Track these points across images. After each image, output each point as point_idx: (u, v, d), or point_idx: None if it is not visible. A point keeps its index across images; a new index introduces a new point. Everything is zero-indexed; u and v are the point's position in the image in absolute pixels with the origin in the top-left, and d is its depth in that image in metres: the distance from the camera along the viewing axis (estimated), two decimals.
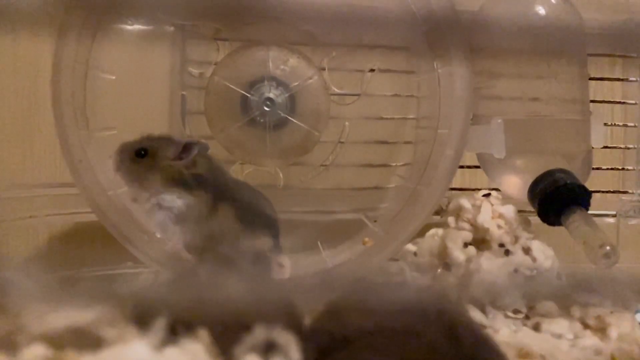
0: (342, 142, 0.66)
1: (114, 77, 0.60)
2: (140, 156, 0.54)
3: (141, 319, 0.32)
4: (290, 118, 0.61)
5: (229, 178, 0.58)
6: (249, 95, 0.60)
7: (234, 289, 0.33)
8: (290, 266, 0.57)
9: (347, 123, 0.66)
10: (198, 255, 0.56)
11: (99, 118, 0.59)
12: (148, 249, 0.58)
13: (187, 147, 0.54)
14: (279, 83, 0.61)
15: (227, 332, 0.31)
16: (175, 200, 0.54)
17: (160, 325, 0.32)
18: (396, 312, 0.34)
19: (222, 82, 0.61)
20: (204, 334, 0.32)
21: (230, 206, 0.55)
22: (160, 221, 0.54)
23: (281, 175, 0.65)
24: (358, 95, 0.66)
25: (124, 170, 0.54)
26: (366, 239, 0.63)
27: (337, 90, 0.65)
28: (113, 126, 0.60)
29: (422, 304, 0.36)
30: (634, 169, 0.72)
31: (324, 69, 0.64)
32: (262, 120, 0.61)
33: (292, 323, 0.33)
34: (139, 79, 0.62)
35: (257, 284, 0.37)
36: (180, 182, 0.54)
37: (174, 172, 0.54)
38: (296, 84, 0.61)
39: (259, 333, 0.31)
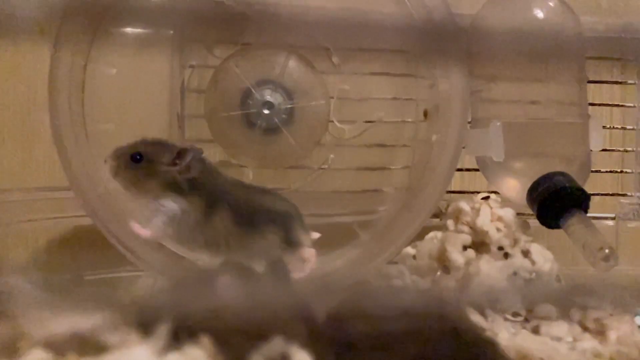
0: (341, 145, 0.66)
1: (112, 82, 0.60)
2: (136, 161, 0.53)
3: (145, 325, 0.32)
4: (281, 128, 0.61)
5: (224, 180, 0.56)
6: (253, 91, 0.60)
7: (247, 298, 0.33)
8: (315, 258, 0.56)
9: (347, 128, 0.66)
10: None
11: (97, 123, 0.59)
12: (146, 255, 0.58)
13: (181, 153, 0.53)
14: (285, 92, 0.61)
15: (237, 341, 0.31)
16: (172, 205, 0.53)
17: (162, 331, 0.32)
18: (398, 317, 0.35)
19: (228, 75, 0.61)
20: (206, 340, 0.32)
21: (226, 210, 0.54)
22: (160, 226, 0.54)
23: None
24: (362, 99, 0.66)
25: (122, 175, 0.54)
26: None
27: (337, 124, 0.65)
28: (111, 132, 0.60)
29: (424, 308, 0.36)
30: (632, 172, 0.72)
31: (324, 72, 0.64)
32: (258, 122, 0.61)
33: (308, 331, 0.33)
34: (138, 84, 0.62)
35: (266, 292, 0.37)
36: (175, 187, 0.53)
37: (169, 178, 0.53)
38: (301, 100, 0.61)
39: (272, 344, 0.31)
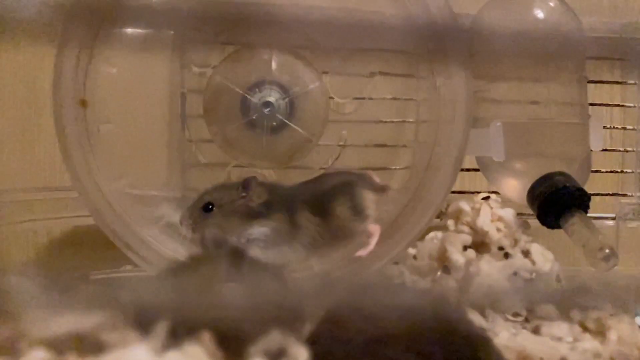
0: (342, 146, 0.66)
1: (113, 83, 0.60)
2: (209, 210, 0.55)
3: (143, 323, 0.32)
4: (288, 122, 0.61)
5: (286, 188, 0.59)
6: (249, 97, 0.61)
7: (235, 294, 0.33)
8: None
9: (344, 132, 0.66)
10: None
11: (98, 123, 0.59)
12: (146, 253, 0.59)
13: (245, 185, 0.56)
14: (280, 87, 0.61)
15: (232, 337, 0.32)
16: (260, 229, 0.56)
17: (161, 329, 0.32)
18: (397, 317, 0.35)
19: (222, 82, 0.62)
20: (205, 337, 0.32)
21: (304, 208, 0.57)
22: (260, 252, 0.56)
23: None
24: (362, 98, 0.66)
25: (202, 228, 0.56)
26: None
27: (337, 99, 0.65)
28: (114, 131, 0.60)
29: (423, 308, 0.36)
30: (632, 172, 0.72)
31: (325, 73, 0.64)
32: (261, 123, 0.61)
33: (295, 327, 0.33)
34: (139, 83, 0.62)
35: (259, 289, 0.37)
36: (254, 215, 0.56)
37: (244, 210, 0.56)
38: (297, 89, 0.62)
39: (270, 338, 0.31)
